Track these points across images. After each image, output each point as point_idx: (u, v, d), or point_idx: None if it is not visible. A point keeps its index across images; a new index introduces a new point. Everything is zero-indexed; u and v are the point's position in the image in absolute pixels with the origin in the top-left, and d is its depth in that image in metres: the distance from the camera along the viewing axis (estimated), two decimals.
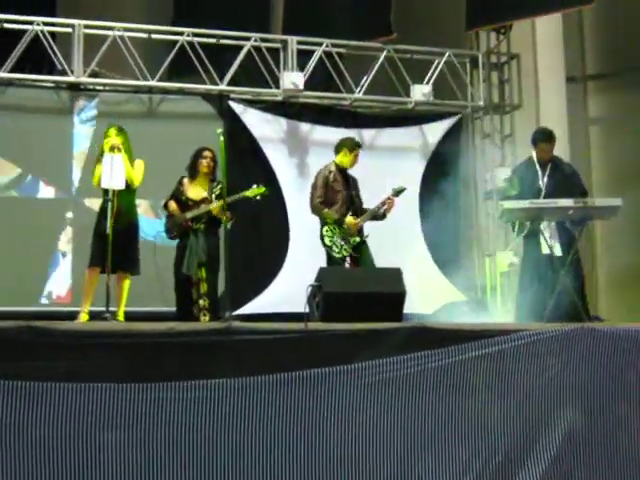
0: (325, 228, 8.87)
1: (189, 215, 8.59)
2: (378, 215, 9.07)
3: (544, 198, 8.37)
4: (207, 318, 8.38)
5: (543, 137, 8.76)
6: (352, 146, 9.14)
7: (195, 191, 8.73)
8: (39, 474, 5.25)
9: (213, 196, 8.65)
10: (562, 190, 8.34)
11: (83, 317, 8.26)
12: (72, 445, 5.31)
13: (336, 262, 8.74)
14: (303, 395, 5.71)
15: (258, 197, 8.65)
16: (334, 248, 8.79)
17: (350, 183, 9.12)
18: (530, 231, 8.41)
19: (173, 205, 8.73)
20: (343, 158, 9.11)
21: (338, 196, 8.98)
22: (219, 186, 8.63)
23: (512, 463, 6.03)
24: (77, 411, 5.32)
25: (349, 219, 8.88)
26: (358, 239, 8.90)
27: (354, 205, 9.04)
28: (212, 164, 8.73)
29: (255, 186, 8.65)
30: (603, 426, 6.25)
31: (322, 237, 8.87)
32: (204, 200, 8.64)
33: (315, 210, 8.98)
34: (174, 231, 8.69)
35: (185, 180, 8.80)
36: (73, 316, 8.39)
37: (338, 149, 9.16)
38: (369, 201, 9.19)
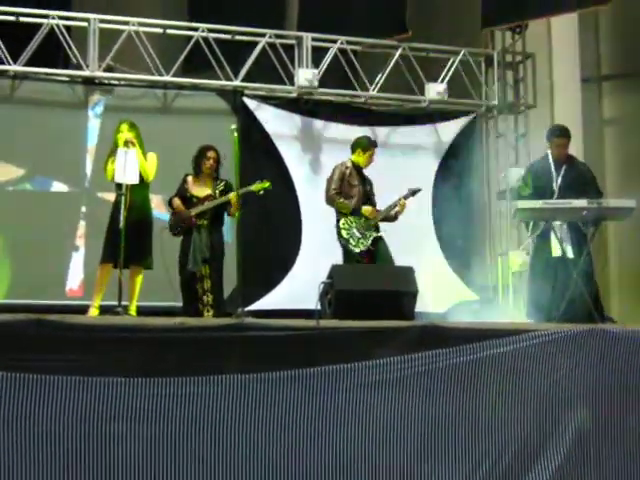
0: (342, 221, 8.85)
1: (194, 212, 8.61)
2: (389, 217, 9.07)
3: (557, 198, 8.34)
4: (210, 314, 8.38)
5: (558, 132, 8.74)
6: (366, 146, 9.14)
7: (199, 188, 8.76)
8: (47, 466, 5.26)
9: (217, 192, 8.68)
10: (576, 191, 8.30)
11: (93, 312, 8.26)
12: (81, 439, 5.32)
13: (353, 256, 8.72)
14: (314, 392, 5.71)
15: (262, 192, 8.69)
16: (351, 241, 8.77)
17: (366, 181, 9.12)
18: (542, 231, 8.40)
19: (177, 202, 8.76)
20: (358, 157, 9.12)
21: (354, 190, 8.97)
22: (222, 183, 8.73)
23: (522, 464, 6.02)
24: (86, 405, 5.33)
25: (366, 208, 8.86)
26: (375, 234, 8.88)
27: (369, 203, 9.03)
28: (215, 165, 8.78)
29: (259, 181, 8.70)
30: (613, 427, 6.24)
31: (339, 231, 8.84)
32: (208, 197, 8.67)
33: (329, 200, 8.95)
34: (178, 228, 8.70)
35: (189, 178, 8.84)
36: (85, 310, 8.39)
37: (353, 148, 9.18)
38: (382, 199, 9.18)
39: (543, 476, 6.01)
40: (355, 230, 8.82)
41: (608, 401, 6.24)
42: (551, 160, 8.62)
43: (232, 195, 8.41)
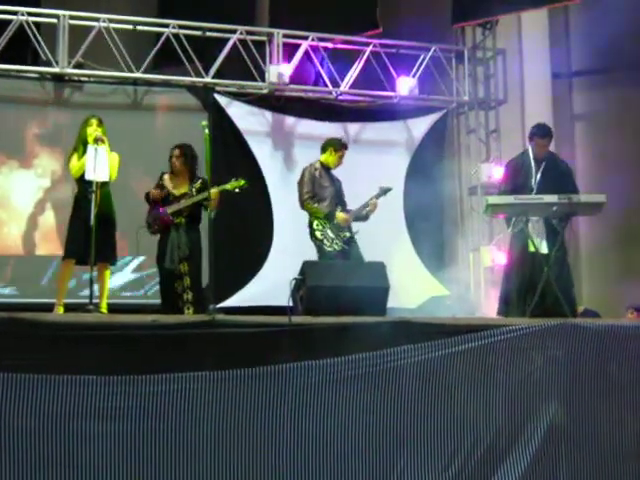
0: (316, 222, 8.84)
1: (170, 210, 8.49)
2: (361, 216, 9.04)
3: (536, 194, 8.33)
4: (191, 311, 8.33)
5: (539, 132, 8.71)
6: (338, 146, 9.12)
7: (176, 187, 8.64)
8: (18, 464, 5.23)
9: (194, 190, 8.56)
10: (554, 188, 8.27)
11: (59, 310, 8.17)
12: (52, 437, 5.29)
13: (328, 256, 8.71)
14: (285, 388, 5.71)
15: (237, 190, 8.58)
16: (325, 242, 8.76)
17: (335, 181, 9.10)
18: (519, 227, 8.41)
19: (156, 192, 8.59)
20: (328, 157, 9.08)
21: (326, 192, 8.95)
22: (199, 181, 8.56)
23: (494, 457, 6.04)
24: (59, 403, 5.30)
25: (339, 215, 8.85)
26: (348, 234, 8.88)
27: (341, 204, 9.01)
28: (179, 160, 8.59)
29: (234, 179, 8.58)
30: (585, 420, 6.27)
31: (313, 231, 8.83)
32: (184, 195, 8.55)
33: (304, 206, 8.94)
34: (155, 226, 8.59)
35: (166, 176, 8.69)
36: (51, 308, 8.29)
37: (324, 148, 9.14)
38: (353, 196, 9.17)
39: (515, 470, 6.03)
40: (329, 231, 8.81)
41: (579, 394, 6.27)
42: (532, 157, 8.62)
43: (211, 193, 8.21)
